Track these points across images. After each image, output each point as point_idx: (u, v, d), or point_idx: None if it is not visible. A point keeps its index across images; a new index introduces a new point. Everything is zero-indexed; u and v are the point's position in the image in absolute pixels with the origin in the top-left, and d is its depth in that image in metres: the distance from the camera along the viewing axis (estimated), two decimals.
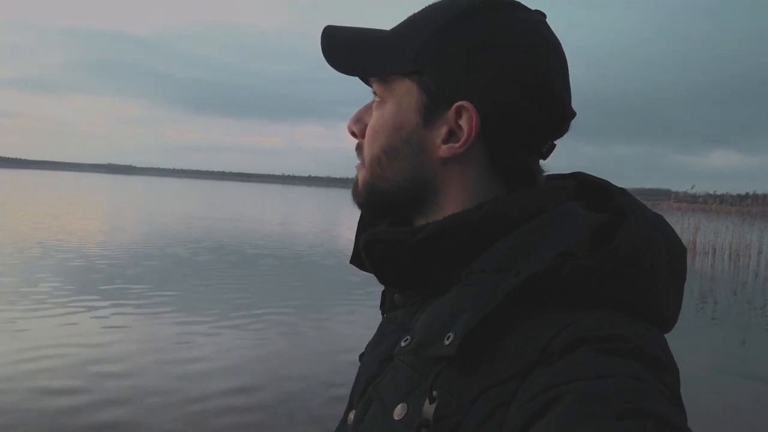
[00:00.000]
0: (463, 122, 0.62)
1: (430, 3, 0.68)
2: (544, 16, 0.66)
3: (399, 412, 0.58)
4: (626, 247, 0.57)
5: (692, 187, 20.65)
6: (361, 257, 0.69)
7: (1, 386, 4.27)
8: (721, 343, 7.38)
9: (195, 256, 11.64)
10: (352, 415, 0.68)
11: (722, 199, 22.10)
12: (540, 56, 0.63)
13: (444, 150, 0.64)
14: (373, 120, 0.68)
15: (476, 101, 0.62)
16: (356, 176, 0.71)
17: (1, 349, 5.15)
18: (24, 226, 14.98)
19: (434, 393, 0.55)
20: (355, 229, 0.75)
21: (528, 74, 0.62)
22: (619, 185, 0.68)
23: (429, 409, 0.55)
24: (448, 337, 0.55)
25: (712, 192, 22.47)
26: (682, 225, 17.98)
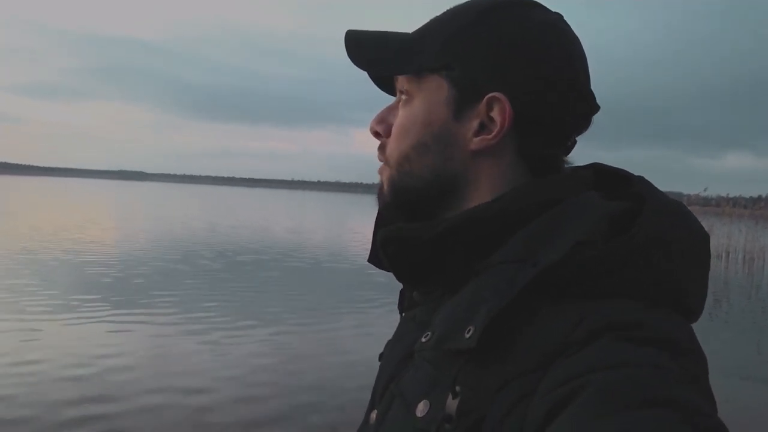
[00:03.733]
0: (495, 114, 0.63)
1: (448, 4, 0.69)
2: (561, 15, 0.67)
3: (421, 408, 0.57)
4: (645, 234, 0.56)
5: (705, 190, 20.45)
6: (379, 256, 0.69)
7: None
8: (736, 347, 7.31)
9: (209, 262, 11.67)
10: (374, 415, 0.67)
11: (735, 202, 21.87)
12: (566, 51, 0.64)
13: (476, 143, 0.64)
14: (401, 118, 0.68)
15: (509, 93, 0.62)
16: (381, 180, 0.71)
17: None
18: (49, 235, 15.10)
19: (457, 388, 0.55)
20: (373, 228, 0.75)
21: (557, 68, 0.63)
22: None
23: (452, 404, 0.54)
24: (469, 330, 0.54)
25: (724, 194, 22.29)
26: None
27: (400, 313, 0.76)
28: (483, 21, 0.64)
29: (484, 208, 0.62)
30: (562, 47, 0.64)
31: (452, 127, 0.65)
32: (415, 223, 0.66)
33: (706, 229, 0.62)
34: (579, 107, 0.65)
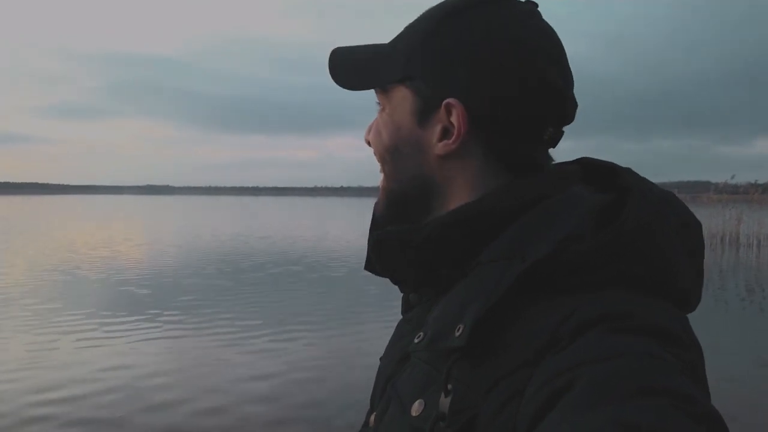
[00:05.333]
0: (453, 119, 0.64)
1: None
2: (536, 5, 0.67)
3: (416, 408, 0.58)
4: (630, 224, 0.56)
5: (732, 177, 19.82)
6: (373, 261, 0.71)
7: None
8: None
9: (243, 275, 11.77)
10: (373, 418, 0.69)
11: (765, 189, 21.23)
12: (530, 47, 0.63)
13: (440, 148, 0.66)
14: (375, 124, 0.72)
15: (464, 97, 0.63)
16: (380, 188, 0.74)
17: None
18: (87, 252, 15.36)
19: (449, 386, 0.55)
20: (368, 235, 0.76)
21: (518, 65, 0.62)
22: (656, 179, 0.67)
23: (444, 402, 0.55)
24: (459, 328, 0.55)
25: (753, 181, 21.66)
26: (723, 217, 17.25)
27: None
28: (441, 27, 0.65)
29: (468, 208, 0.63)
30: (524, 44, 0.63)
31: (418, 133, 0.67)
32: (403, 226, 0.67)
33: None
34: (548, 102, 0.64)
